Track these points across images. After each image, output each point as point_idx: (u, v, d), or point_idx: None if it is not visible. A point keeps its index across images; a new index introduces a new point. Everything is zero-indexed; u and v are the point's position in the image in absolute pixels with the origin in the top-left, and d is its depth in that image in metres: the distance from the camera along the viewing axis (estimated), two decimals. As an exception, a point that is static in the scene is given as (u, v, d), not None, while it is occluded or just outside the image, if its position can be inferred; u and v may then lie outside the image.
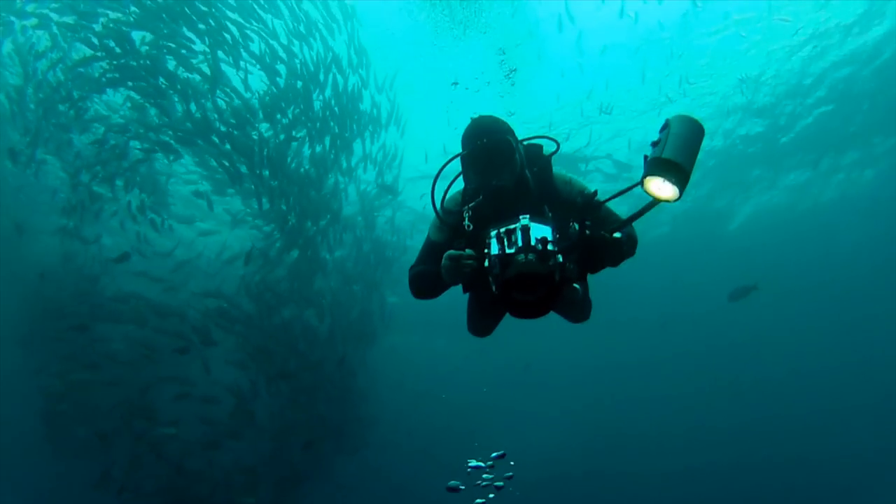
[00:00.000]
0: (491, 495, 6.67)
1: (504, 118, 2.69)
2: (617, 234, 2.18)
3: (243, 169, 9.73)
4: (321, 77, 9.68)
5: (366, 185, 12.34)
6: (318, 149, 10.50)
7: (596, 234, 2.17)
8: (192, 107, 8.97)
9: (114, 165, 9.88)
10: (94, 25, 8.14)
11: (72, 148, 10.09)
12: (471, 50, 10.16)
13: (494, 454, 6.38)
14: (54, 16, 8.22)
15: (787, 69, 12.14)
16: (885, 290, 21.04)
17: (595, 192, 2.45)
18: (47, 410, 11.15)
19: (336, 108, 10.20)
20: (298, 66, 9.46)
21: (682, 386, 27.97)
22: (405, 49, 11.02)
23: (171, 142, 9.36)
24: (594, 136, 13.63)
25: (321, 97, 9.99)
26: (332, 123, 10.29)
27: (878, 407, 24.98)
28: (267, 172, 9.88)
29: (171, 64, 8.66)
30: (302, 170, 10.56)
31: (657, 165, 1.95)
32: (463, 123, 2.68)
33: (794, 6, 10.51)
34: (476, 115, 2.69)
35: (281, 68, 9.34)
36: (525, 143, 2.72)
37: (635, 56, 11.61)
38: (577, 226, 2.18)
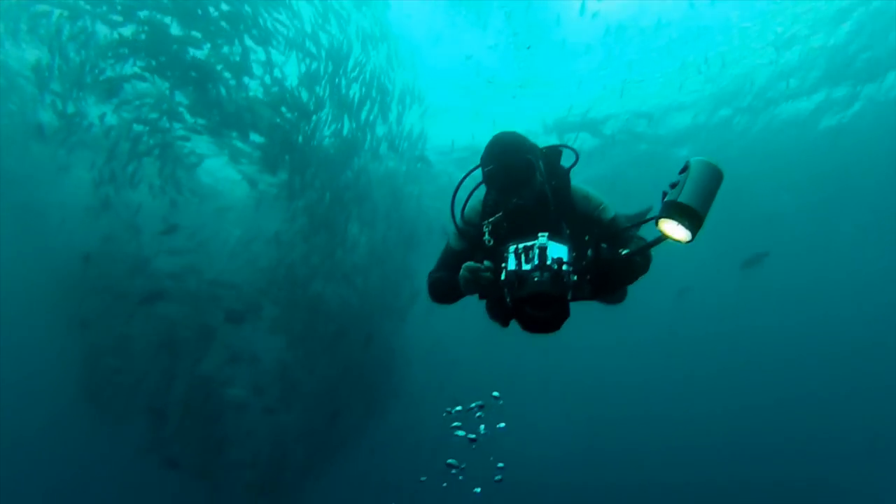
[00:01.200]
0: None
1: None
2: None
3: (274, 148, 9.89)
4: (346, 51, 9.82)
5: (394, 161, 12.48)
6: (345, 126, 10.62)
7: (611, 257, 2.22)
8: (223, 90, 9.07)
9: (144, 142, 10.00)
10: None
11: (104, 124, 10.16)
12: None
13: (474, 404, 6.03)
14: (88, 7, 8.22)
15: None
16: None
17: (613, 218, 2.63)
18: (94, 381, 11.60)
19: (362, 86, 10.30)
20: (326, 44, 9.53)
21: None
22: (431, 33, 11.25)
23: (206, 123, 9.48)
24: (617, 105, 13.57)
25: (347, 74, 10.08)
26: (356, 101, 10.38)
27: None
28: (296, 153, 10.04)
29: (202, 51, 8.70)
30: (327, 142, 10.68)
31: (673, 208, 1.99)
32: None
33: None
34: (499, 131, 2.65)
35: (311, 46, 9.40)
36: (544, 150, 2.69)
37: (657, 32, 11.63)
38: (592, 247, 2.20)
